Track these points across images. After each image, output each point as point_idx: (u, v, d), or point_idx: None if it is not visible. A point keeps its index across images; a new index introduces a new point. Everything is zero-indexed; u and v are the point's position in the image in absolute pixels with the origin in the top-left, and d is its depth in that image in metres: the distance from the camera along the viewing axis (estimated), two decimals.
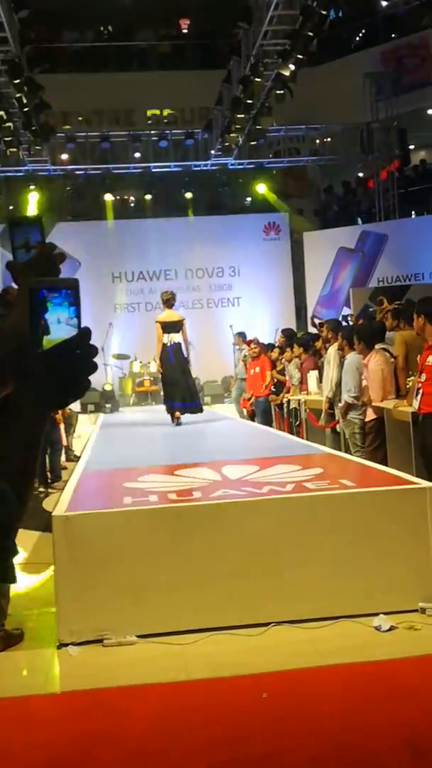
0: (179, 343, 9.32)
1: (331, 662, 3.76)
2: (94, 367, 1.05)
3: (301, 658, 3.81)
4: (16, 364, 1.04)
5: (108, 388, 14.53)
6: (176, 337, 9.30)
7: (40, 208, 16.01)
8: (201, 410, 9.58)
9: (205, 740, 3.18)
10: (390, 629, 4.00)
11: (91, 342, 1.06)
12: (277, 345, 11.37)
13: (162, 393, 10.10)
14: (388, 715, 3.27)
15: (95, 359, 1.06)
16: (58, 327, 1.04)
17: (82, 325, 1.05)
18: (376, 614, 4.10)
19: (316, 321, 11.36)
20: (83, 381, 1.05)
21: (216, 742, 3.18)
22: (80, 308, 1.06)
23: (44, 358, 1.03)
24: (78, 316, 1.05)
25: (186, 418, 9.30)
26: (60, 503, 4.54)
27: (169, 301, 9.47)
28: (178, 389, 9.25)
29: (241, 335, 12.82)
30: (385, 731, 3.14)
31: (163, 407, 9.79)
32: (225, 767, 2.99)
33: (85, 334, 1.05)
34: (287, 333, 11.26)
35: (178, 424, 9.20)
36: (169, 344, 9.28)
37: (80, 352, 1.04)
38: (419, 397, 5.67)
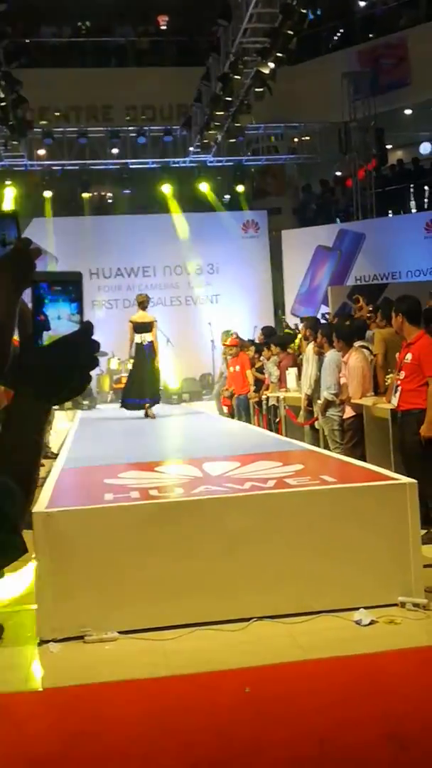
0: (151, 342, 10.18)
1: (312, 656, 3.78)
2: (95, 363, 1.05)
3: (283, 653, 3.83)
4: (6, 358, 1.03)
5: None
6: (147, 337, 10.16)
7: (16, 204, 15.88)
8: (158, 402, 10.68)
9: (187, 735, 3.19)
10: (370, 623, 4.04)
11: (93, 337, 1.05)
12: (257, 341, 11.42)
13: (124, 392, 10.88)
14: (370, 709, 3.30)
15: (96, 354, 1.06)
16: (59, 322, 1.03)
17: (84, 320, 1.04)
18: (357, 609, 4.13)
19: (292, 321, 11.42)
20: (85, 377, 1.05)
21: (199, 737, 3.18)
22: (83, 303, 1.05)
23: (45, 354, 1.03)
24: (80, 311, 1.04)
25: (163, 412, 10.03)
26: (40, 500, 4.51)
27: (143, 303, 10.29)
28: (146, 386, 10.13)
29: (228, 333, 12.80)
30: (367, 724, 3.17)
31: None
32: (208, 762, 3.00)
33: (87, 329, 1.04)
34: (266, 331, 11.31)
35: (152, 417, 10.08)
36: (142, 343, 10.14)
37: (82, 348, 1.04)
38: (398, 394, 5.72)
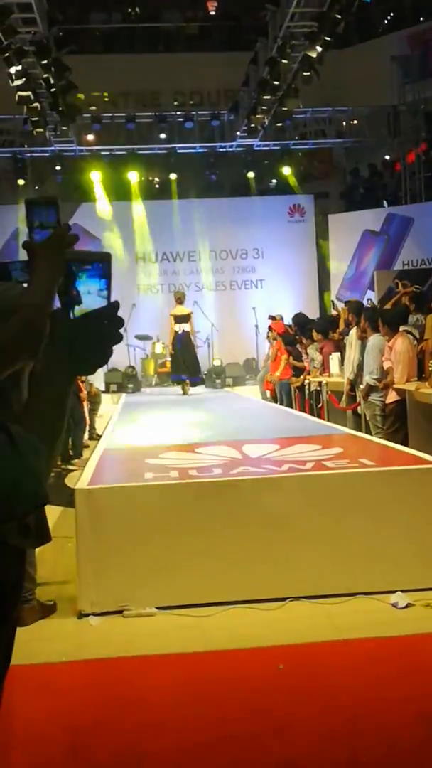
0: (188, 332, 12.66)
1: (347, 637, 3.79)
2: (119, 338, 1.13)
3: (318, 632, 3.85)
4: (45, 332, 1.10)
5: (130, 368, 14.66)
6: (185, 327, 12.63)
7: (65, 189, 16.07)
8: (203, 383, 13.44)
9: (221, 709, 3.24)
10: (407, 606, 4.04)
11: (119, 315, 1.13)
12: (290, 330, 11.31)
13: (171, 370, 13.30)
14: (404, 690, 3.31)
15: (120, 331, 1.14)
16: (89, 297, 1.11)
17: (112, 299, 1.12)
18: (394, 591, 4.13)
19: (338, 303, 11.28)
20: (109, 349, 1.13)
21: (232, 710, 3.24)
22: (111, 281, 1.12)
23: (75, 325, 1.11)
24: (108, 288, 1.12)
25: (206, 396, 11.27)
26: (83, 478, 4.61)
27: (180, 299, 12.77)
28: (184, 367, 12.51)
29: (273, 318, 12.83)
30: (400, 705, 3.18)
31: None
32: (240, 735, 3.05)
33: (114, 306, 1.12)
34: (298, 320, 11.18)
35: (186, 393, 12.35)
36: (179, 332, 12.54)
37: (108, 323, 1.11)
38: None
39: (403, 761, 2.83)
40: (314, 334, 9.90)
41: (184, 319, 12.59)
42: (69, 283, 1.11)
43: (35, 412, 1.12)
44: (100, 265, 1.12)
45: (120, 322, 1.13)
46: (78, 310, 1.11)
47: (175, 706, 3.28)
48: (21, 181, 16.16)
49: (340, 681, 3.43)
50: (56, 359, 1.12)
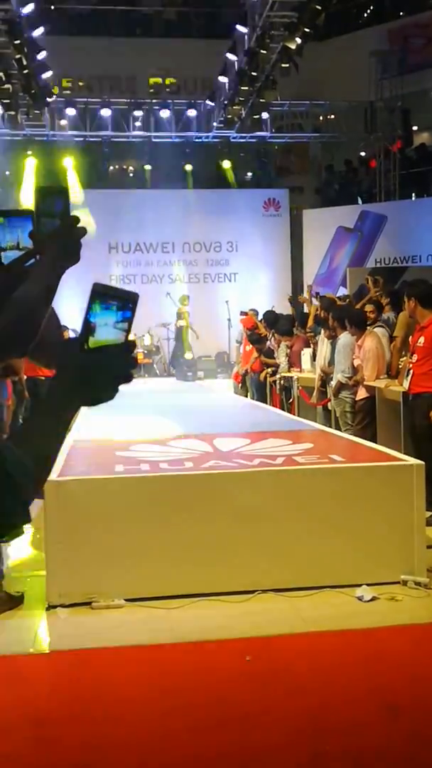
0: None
1: (313, 629, 3.85)
2: (128, 378, 1.10)
3: (285, 625, 3.91)
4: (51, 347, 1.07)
5: None
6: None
7: (37, 174, 15.86)
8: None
9: (188, 700, 3.28)
10: (372, 599, 4.11)
11: (132, 354, 1.11)
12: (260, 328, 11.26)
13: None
14: (368, 681, 3.38)
15: (132, 371, 1.11)
16: (105, 329, 1.08)
17: (130, 337, 1.10)
18: (359, 585, 4.20)
19: (313, 295, 11.23)
20: (116, 386, 1.10)
21: (199, 702, 3.27)
22: (133, 320, 1.10)
23: (87, 358, 1.09)
24: (129, 324, 1.10)
25: (177, 389, 10.98)
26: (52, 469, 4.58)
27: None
28: None
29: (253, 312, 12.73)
30: (365, 695, 3.24)
31: (155, 380, 11.41)
32: (206, 726, 3.09)
33: (130, 345, 1.10)
34: (267, 318, 11.15)
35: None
36: None
37: (120, 361, 1.09)
38: (410, 377, 5.74)
39: (367, 750, 2.89)
40: (276, 336, 9.89)
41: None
42: (87, 313, 1.09)
43: (31, 434, 1.12)
44: (125, 302, 1.09)
45: (133, 362, 1.11)
46: (92, 341, 1.09)
47: (142, 698, 3.31)
48: None
49: (306, 672, 3.48)
50: (62, 386, 1.11)
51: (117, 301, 1.08)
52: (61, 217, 1.18)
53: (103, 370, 1.09)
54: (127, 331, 1.10)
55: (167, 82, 17.47)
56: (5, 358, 1.07)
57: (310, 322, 9.50)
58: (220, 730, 3.04)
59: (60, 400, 1.11)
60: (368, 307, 7.69)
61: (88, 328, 1.08)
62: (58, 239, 1.12)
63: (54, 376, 1.10)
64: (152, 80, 17.45)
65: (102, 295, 1.08)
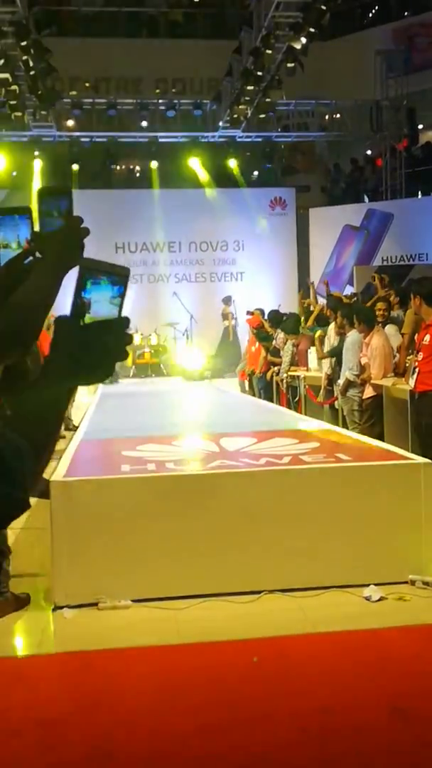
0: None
1: (320, 630, 3.83)
2: (123, 355, 1.08)
3: (292, 625, 3.88)
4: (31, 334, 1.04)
5: None
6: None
7: (43, 175, 15.88)
8: None
9: (194, 701, 3.26)
10: (379, 600, 4.08)
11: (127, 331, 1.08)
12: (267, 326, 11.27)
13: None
14: (376, 682, 3.35)
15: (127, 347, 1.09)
16: (99, 305, 1.06)
17: (123, 314, 1.08)
18: (367, 585, 4.18)
19: (319, 293, 11.21)
20: (111, 364, 1.08)
21: (205, 703, 3.26)
22: (125, 295, 1.07)
23: (83, 333, 1.06)
24: (122, 299, 1.07)
25: (184, 389, 10.90)
26: (58, 470, 4.59)
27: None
28: None
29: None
30: (372, 697, 3.22)
31: (162, 379, 11.22)
32: (213, 727, 3.07)
33: (123, 321, 1.08)
34: (271, 318, 11.13)
35: None
36: None
37: (116, 336, 1.07)
38: (416, 375, 5.71)
39: (375, 752, 2.87)
40: (282, 335, 9.88)
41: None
42: (80, 290, 1.07)
43: (27, 419, 1.08)
44: (117, 278, 1.07)
45: (128, 338, 1.08)
46: (89, 318, 1.06)
47: (149, 699, 3.30)
48: None
49: (314, 673, 3.46)
50: (56, 365, 1.08)
51: (108, 276, 1.06)
52: (65, 216, 1.17)
53: (97, 348, 1.06)
54: (120, 306, 1.07)
55: (173, 83, 17.45)
56: (4, 360, 1.05)
57: (310, 322, 9.49)
58: (227, 731, 3.02)
59: (54, 379, 1.08)
60: (379, 305, 7.67)
61: (83, 304, 1.06)
62: (61, 239, 1.10)
63: (49, 353, 1.07)
64: (158, 81, 17.44)
65: (93, 271, 1.06)
